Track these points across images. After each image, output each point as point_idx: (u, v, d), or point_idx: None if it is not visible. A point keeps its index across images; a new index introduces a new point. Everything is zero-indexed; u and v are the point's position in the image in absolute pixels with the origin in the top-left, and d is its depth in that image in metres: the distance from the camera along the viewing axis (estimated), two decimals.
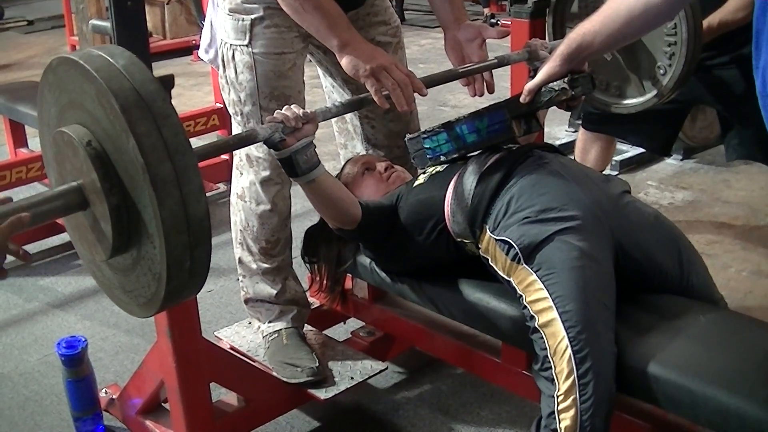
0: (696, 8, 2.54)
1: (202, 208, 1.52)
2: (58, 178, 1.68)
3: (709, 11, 2.96)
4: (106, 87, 1.46)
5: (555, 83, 2.32)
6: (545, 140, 3.07)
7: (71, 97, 1.58)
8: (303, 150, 2.14)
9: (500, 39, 2.56)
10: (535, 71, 2.40)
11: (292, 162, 2.14)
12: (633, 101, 2.79)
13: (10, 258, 1.57)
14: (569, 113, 5.40)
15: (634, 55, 2.67)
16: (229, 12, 2.56)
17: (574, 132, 5.58)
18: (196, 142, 1.83)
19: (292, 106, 2.12)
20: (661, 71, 2.64)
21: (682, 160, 5.17)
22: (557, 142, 5.29)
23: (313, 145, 2.17)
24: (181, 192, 1.47)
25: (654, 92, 2.71)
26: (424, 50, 8.43)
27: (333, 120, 2.97)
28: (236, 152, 2.72)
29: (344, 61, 2.29)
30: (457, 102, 6.46)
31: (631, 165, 5.10)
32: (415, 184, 2.48)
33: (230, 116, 2.74)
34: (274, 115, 2.10)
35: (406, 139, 2.53)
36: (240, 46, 2.55)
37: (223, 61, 2.62)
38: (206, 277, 1.63)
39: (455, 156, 2.47)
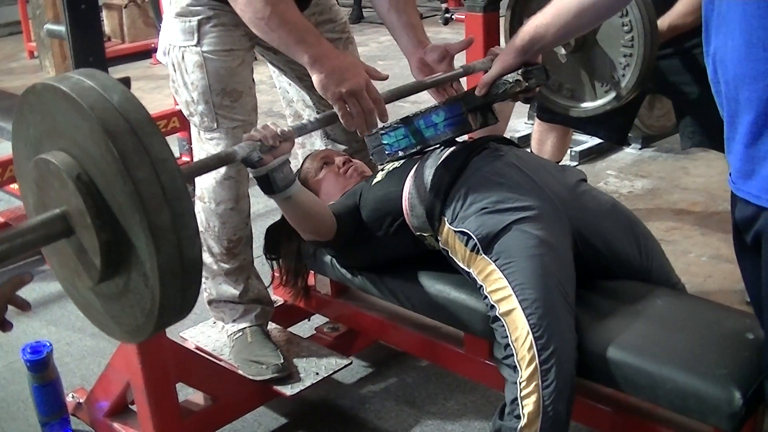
0: (650, 9, 2.57)
1: (197, 252, 1.50)
2: (38, 202, 1.63)
3: (660, 13, 2.99)
4: (102, 128, 1.41)
5: (509, 75, 2.34)
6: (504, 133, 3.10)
7: (57, 126, 1.53)
8: (280, 167, 2.14)
9: (466, 49, 2.56)
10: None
11: (269, 179, 2.15)
12: (592, 104, 2.81)
13: None
14: (528, 106, 5.44)
15: (592, 58, 2.69)
16: (176, 15, 2.56)
17: (533, 124, 5.60)
18: None
19: (269, 124, 2.11)
20: (620, 73, 2.67)
21: (640, 148, 5.22)
22: (516, 135, 5.32)
23: (289, 162, 2.18)
24: (178, 237, 1.44)
25: (613, 94, 2.73)
26: (384, 47, 8.43)
27: (289, 119, 2.99)
28: (196, 153, 2.72)
29: (314, 78, 2.26)
30: (416, 98, 6.43)
31: (590, 155, 5.13)
32: (374, 182, 2.50)
33: None
34: (252, 133, 2.09)
35: (364, 136, 2.54)
36: (189, 46, 2.55)
37: (173, 64, 2.61)
38: (193, 308, 1.61)
39: (413, 151, 2.49)
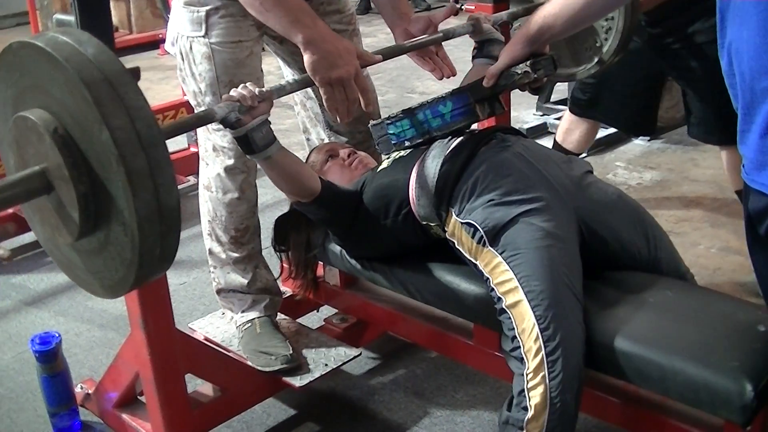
0: None
1: (174, 199, 1.52)
2: (18, 161, 1.65)
3: None
4: (78, 78, 1.44)
5: (517, 66, 2.34)
6: (512, 124, 3.10)
7: (34, 81, 1.55)
8: (258, 128, 2.15)
9: (452, 17, 2.59)
10: (480, 44, 2.48)
11: (248, 139, 2.16)
12: (574, 69, 2.87)
13: None
14: (536, 97, 5.44)
15: None
16: (185, 5, 2.56)
17: (542, 116, 5.61)
18: None
19: (248, 85, 2.12)
20: (602, 38, 2.72)
21: (649, 140, 5.21)
22: (525, 126, 5.31)
23: (269, 123, 2.19)
24: (154, 183, 1.47)
25: (595, 59, 2.79)
26: (390, 39, 8.41)
27: (296, 106, 2.99)
28: (201, 143, 2.72)
29: (305, 59, 2.26)
30: (425, 89, 6.48)
31: (599, 146, 5.11)
32: (379, 169, 2.51)
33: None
34: (231, 93, 2.11)
35: (369, 125, 2.54)
36: (197, 37, 2.55)
37: (181, 54, 2.61)
38: (173, 260, 1.64)
39: (419, 141, 2.49)
